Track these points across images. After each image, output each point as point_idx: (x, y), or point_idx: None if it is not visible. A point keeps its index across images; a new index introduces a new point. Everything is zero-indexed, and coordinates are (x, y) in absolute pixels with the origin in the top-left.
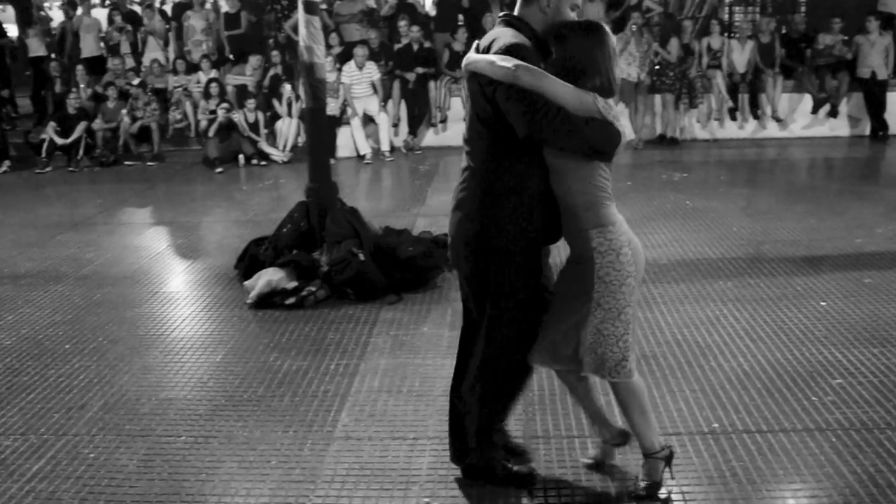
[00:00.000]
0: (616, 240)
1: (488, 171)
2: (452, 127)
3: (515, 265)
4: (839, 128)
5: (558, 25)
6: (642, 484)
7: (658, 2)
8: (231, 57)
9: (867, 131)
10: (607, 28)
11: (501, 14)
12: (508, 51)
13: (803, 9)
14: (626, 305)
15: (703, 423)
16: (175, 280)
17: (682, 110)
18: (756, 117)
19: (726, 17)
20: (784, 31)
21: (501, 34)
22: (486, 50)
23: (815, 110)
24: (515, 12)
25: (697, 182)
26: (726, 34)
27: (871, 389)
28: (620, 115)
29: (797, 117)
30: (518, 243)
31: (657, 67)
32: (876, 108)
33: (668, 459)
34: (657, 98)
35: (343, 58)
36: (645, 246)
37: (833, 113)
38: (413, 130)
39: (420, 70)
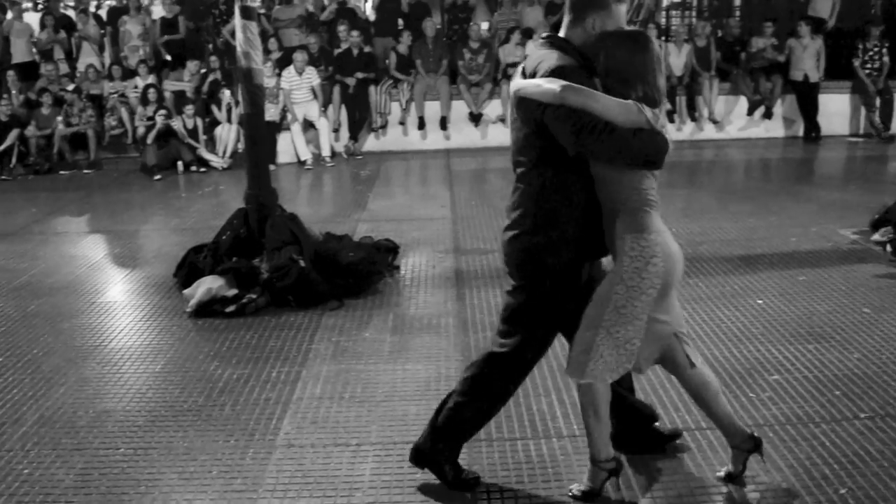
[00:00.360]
0: (649, 248)
1: (539, 190)
2: (392, 132)
3: (564, 278)
4: (774, 129)
5: (601, 35)
6: (582, 487)
7: None
8: (168, 58)
9: (801, 132)
10: (651, 37)
11: (544, 35)
12: (555, 73)
13: (738, 13)
14: (641, 313)
15: None
16: (113, 290)
17: None
18: (693, 119)
19: (663, 21)
20: (720, 34)
21: (547, 57)
22: (533, 74)
23: (750, 112)
24: (561, 34)
25: None
26: (663, 38)
27: (807, 384)
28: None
29: (733, 119)
30: (569, 255)
31: None
32: (809, 110)
33: (614, 472)
34: None
35: (282, 63)
36: None
37: (768, 114)
38: (354, 136)
39: (360, 75)
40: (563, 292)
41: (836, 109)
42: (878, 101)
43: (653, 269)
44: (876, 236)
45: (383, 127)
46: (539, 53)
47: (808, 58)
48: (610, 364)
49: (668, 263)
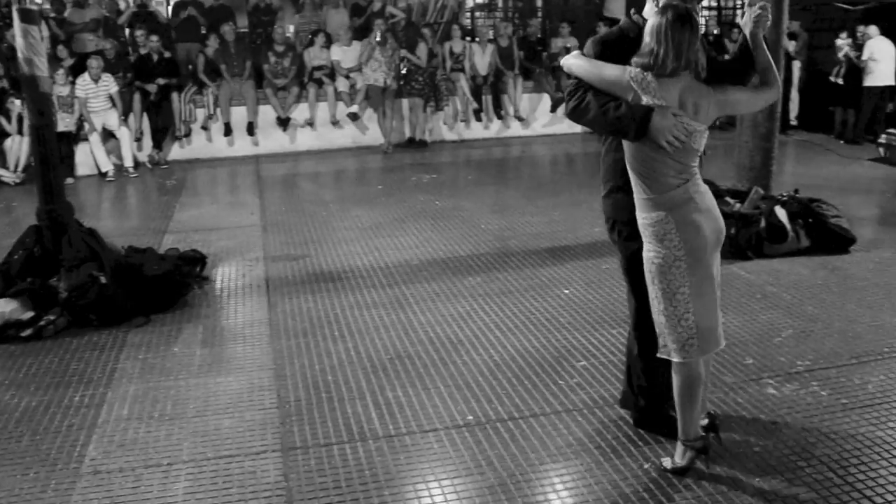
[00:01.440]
0: (660, 228)
1: (614, 160)
2: (198, 139)
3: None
4: (576, 125)
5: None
6: (668, 464)
7: (402, 8)
8: None
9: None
10: (691, 14)
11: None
12: (584, 45)
13: (539, 14)
14: (679, 286)
15: (459, 417)
16: None
17: (429, 113)
18: (500, 117)
19: (469, 22)
20: (523, 34)
21: None
22: None
23: (553, 109)
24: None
25: (446, 182)
26: (468, 38)
27: (612, 368)
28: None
29: (538, 116)
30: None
31: (404, 73)
32: None
33: (703, 451)
34: (404, 102)
35: (76, 70)
36: (396, 248)
37: None
38: (157, 144)
39: (161, 81)
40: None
41: None
42: None
43: (669, 244)
44: None
45: (188, 135)
46: None
47: None
48: (680, 341)
49: (689, 235)
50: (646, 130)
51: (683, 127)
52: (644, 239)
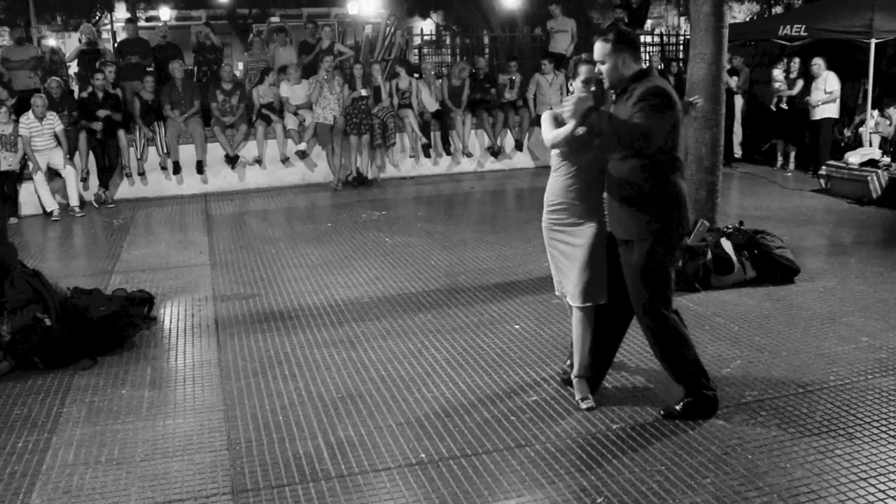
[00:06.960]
0: None
1: None
2: (147, 178)
3: None
4: (524, 160)
5: None
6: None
7: (350, 46)
8: None
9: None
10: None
11: None
12: None
13: (487, 51)
14: None
15: (411, 455)
16: None
17: (377, 151)
18: (448, 153)
19: (417, 59)
20: (473, 72)
21: None
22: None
23: (494, 154)
24: None
25: (396, 219)
26: (415, 75)
27: (563, 402)
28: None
29: (486, 152)
30: None
31: (351, 107)
32: None
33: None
34: (353, 139)
35: (19, 108)
36: (346, 285)
37: (518, 147)
38: (104, 183)
39: (102, 113)
40: None
41: None
42: None
43: None
44: None
45: (142, 174)
46: None
47: (553, 92)
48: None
49: None
50: None
51: None
52: None
